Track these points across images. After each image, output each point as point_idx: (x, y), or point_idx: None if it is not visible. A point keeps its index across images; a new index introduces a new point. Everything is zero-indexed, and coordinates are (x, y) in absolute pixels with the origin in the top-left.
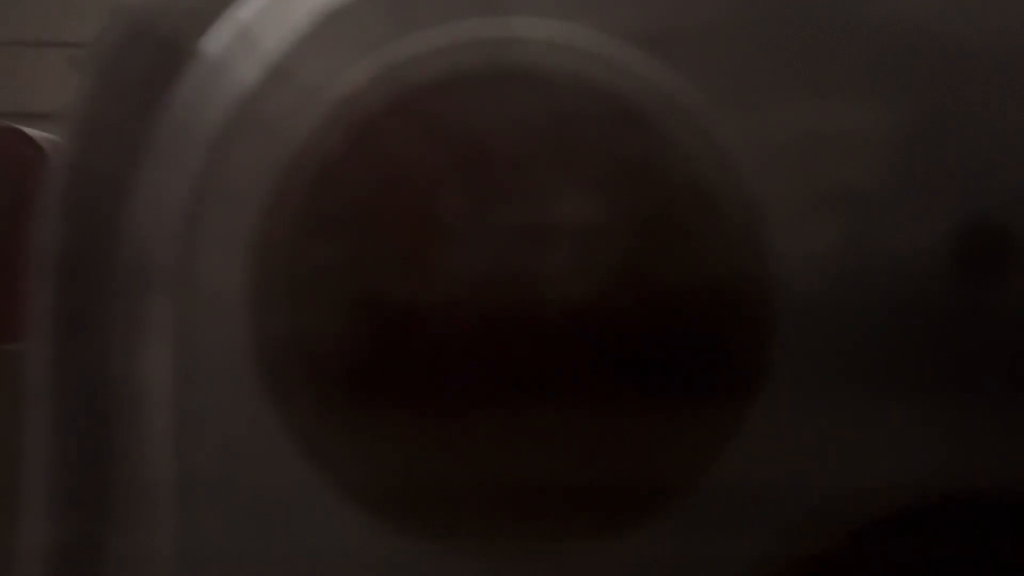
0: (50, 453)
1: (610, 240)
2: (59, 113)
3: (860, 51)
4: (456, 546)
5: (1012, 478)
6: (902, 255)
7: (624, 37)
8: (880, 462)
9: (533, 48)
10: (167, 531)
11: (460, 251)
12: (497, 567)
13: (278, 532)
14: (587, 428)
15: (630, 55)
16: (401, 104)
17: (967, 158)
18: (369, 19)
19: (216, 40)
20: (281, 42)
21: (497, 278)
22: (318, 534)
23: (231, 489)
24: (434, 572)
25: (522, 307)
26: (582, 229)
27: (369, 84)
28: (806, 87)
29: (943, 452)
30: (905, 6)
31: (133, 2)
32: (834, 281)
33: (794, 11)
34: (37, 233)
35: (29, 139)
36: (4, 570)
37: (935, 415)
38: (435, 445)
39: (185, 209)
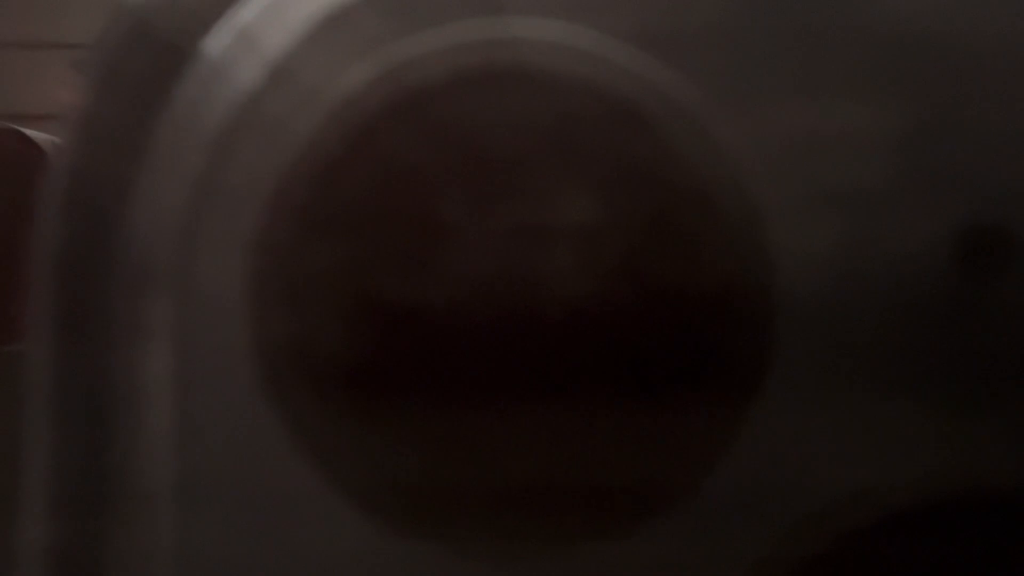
0: (50, 453)
1: (610, 241)
2: (59, 114)
3: (860, 51)
4: (456, 547)
5: (1012, 478)
6: (903, 255)
7: (624, 37)
8: (880, 462)
9: (533, 49)
10: (167, 531)
11: (461, 252)
12: (498, 569)
13: (279, 533)
14: (588, 429)
15: (630, 55)
16: (402, 105)
17: (967, 158)
18: (369, 20)
19: (217, 41)
20: (282, 43)
21: (498, 279)
22: (319, 535)
23: (231, 490)
24: (435, 574)
25: (523, 308)
26: (583, 230)
27: (370, 85)
28: (806, 87)
29: (943, 452)
30: (905, 6)
31: (133, 3)
32: (835, 281)
33: (794, 11)
34: (37, 233)
35: (29, 140)
36: (4, 570)
37: (935, 415)
38: (437, 446)
39: (185, 209)
